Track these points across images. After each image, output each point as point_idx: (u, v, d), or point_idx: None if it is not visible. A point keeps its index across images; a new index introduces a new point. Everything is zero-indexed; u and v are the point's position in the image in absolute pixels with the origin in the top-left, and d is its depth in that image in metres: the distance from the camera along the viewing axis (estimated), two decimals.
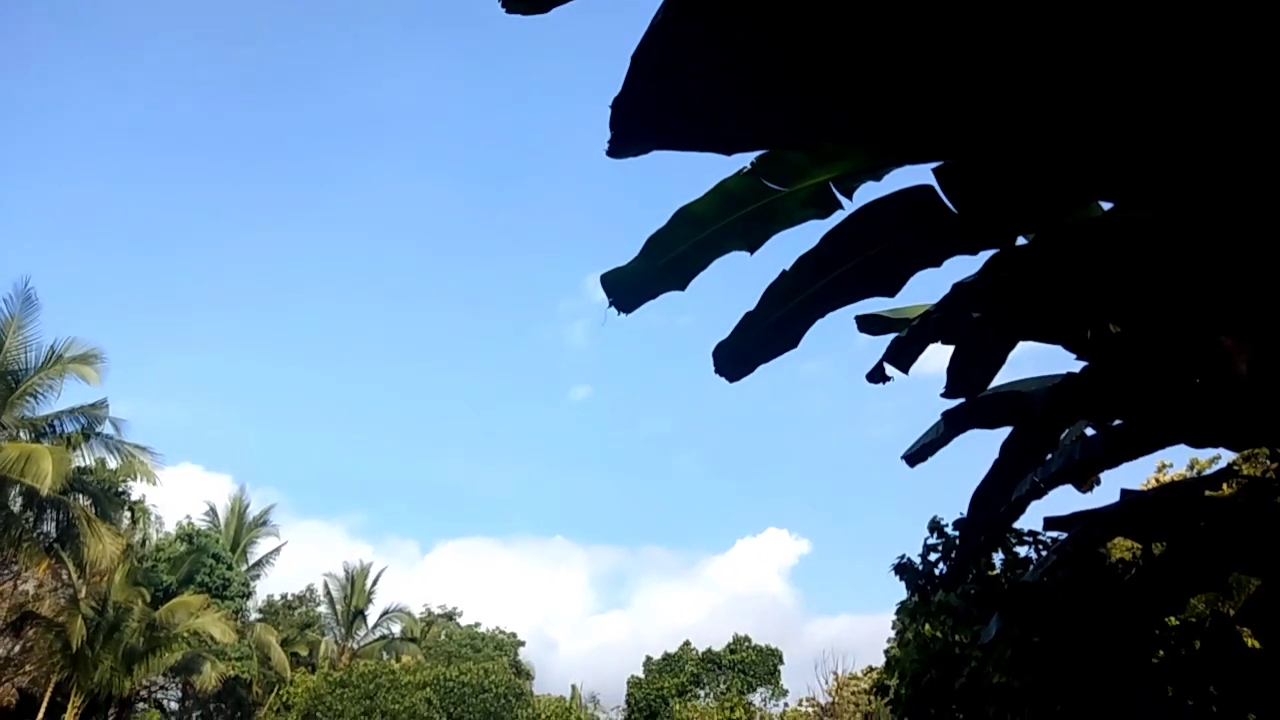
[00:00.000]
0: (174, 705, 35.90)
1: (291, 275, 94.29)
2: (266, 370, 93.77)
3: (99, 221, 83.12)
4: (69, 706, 26.67)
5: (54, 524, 25.99)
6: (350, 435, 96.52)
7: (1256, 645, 5.19)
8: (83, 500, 26.49)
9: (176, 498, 72.76)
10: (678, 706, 37.31)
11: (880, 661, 11.00)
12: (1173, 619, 5.54)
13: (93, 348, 25.89)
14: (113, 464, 28.24)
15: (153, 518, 35.29)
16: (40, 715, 27.03)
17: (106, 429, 27.00)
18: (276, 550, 41.52)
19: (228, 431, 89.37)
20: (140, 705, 33.16)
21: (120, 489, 29.47)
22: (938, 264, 4.28)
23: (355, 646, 42.94)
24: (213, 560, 35.30)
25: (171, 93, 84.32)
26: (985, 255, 4.23)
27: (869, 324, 5.44)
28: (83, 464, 27.31)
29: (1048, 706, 5.98)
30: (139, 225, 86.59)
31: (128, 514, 31.68)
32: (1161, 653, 5.50)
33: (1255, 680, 5.03)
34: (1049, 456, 5.25)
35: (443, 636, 45.77)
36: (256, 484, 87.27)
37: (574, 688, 44.36)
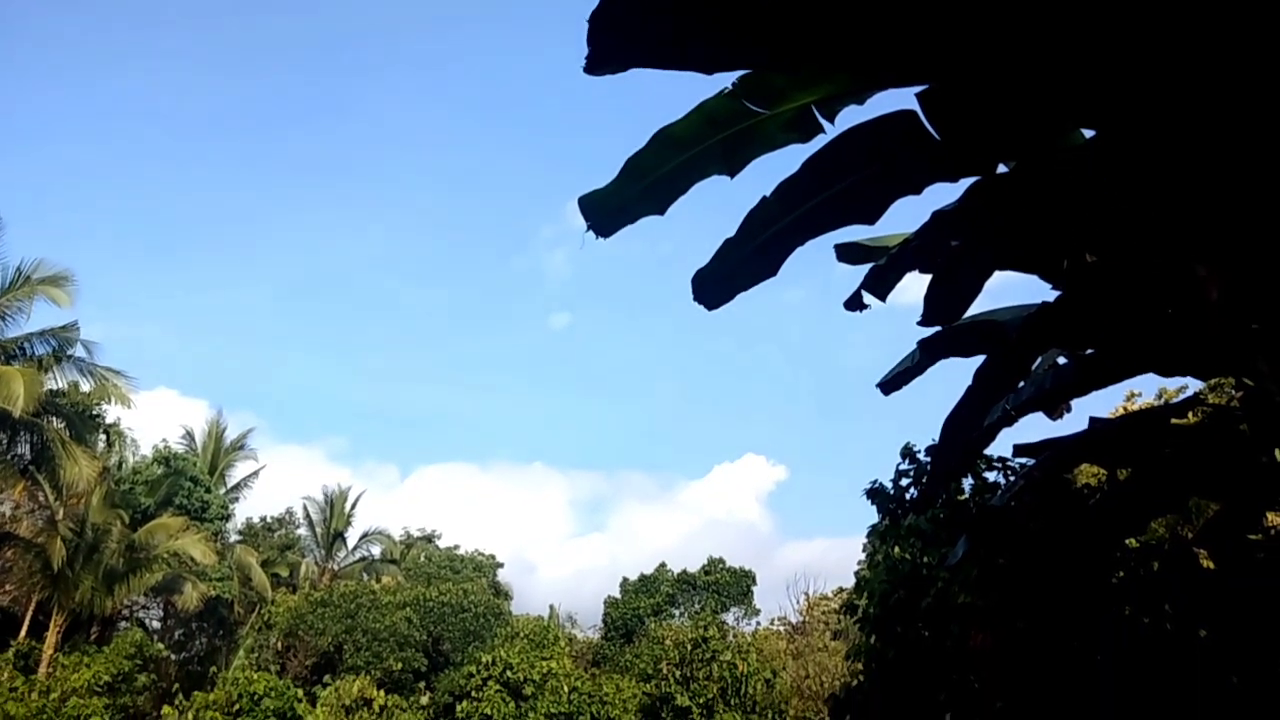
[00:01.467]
0: (156, 624, 36.37)
1: (268, 198, 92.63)
2: (243, 295, 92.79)
3: (71, 135, 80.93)
4: (51, 625, 26.96)
5: (28, 446, 25.89)
6: (328, 361, 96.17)
7: (1211, 566, 5.38)
8: (56, 423, 26.36)
9: (152, 422, 72.54)
10: (653, 625, 38.30)
11: (851, 583, 11.31)
12: (1133, 541, 5.71)
13: (62, 269, 25.45)
14: (86, 387, 28.06)
15: (128, 441, 35.23)
16: (23, 633, 27.33)
17: (78, 352, 26.73)
18: (255, 474, 41.68)
19: (204, 356, 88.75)
20: (123, 624, 33.57)
21: (94, 412, 29.32)
22: (918, 191, 4.26)
23: (335, 568, 43.53)
24: (190, 483, 35.37)
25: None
26: (966, 183, 4.22)
27: (848, 253, 5.43)
28: (55, 387, 27.09)
29: (1010, 624, 6.20)
30: (112, 140, 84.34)
31: (103, 437, 31.60)
32: (1121, 573, 5.69)
33: (1209, 600, 5.23)
34: (1021, 385, 5.33)
35: (422, 559, 46.40)
36: (233, 408, 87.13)
37: (552, 608, 45.38)
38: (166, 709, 23.64)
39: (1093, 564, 5.80)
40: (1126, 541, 5.84)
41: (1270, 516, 5.79)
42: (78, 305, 25.78)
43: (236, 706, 23.35)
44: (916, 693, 8.02)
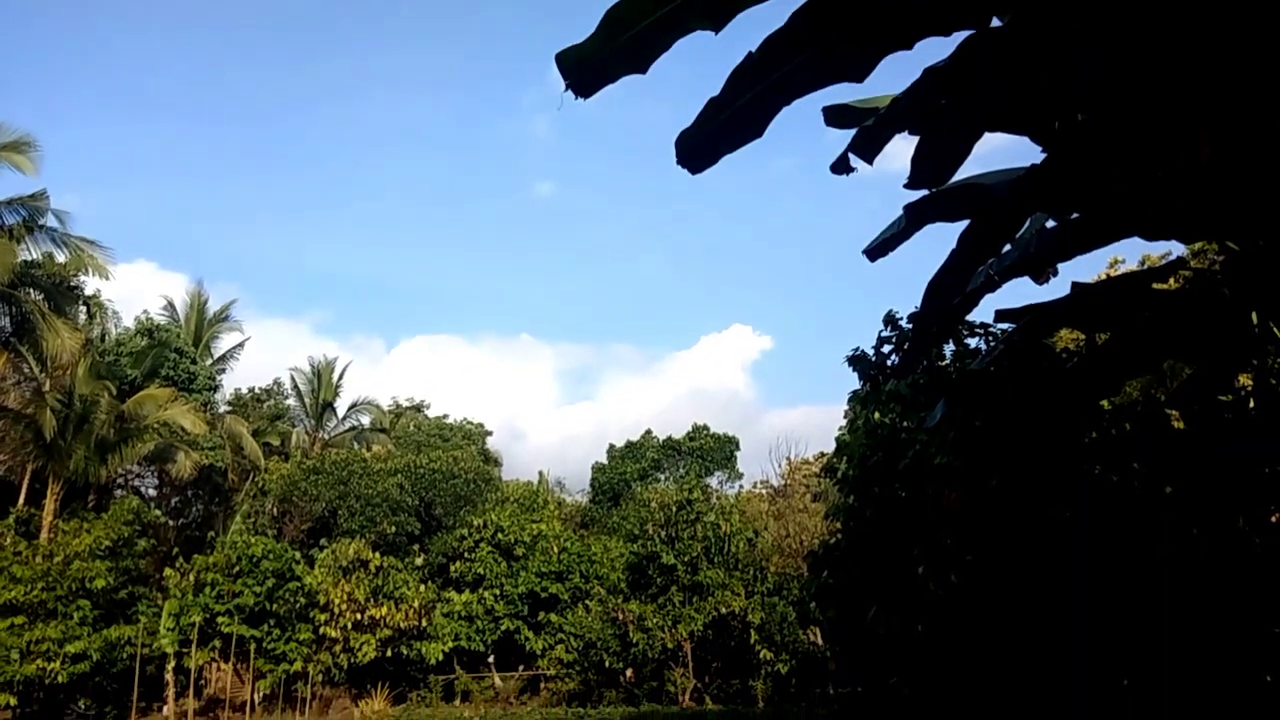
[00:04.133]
0: (152, 492, 37.13)
1: (244, 63, 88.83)
2: (222, 166, 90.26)
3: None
4: (48, 493, 27.51)
5: (8, 319, 25.73)
6: (311, 232, 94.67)
7: (1182, 427, 5.51)
8: (35, 295, 26.09)
9: (133, 294, 71.89)
10: (639, 489, 39.48)
11: (832, 448, 11.60)
12: (1107, 403, 5.83)
13: (23, 134, 24.63)
14: (61, 258, 27.62)
15: (109, 312, 35.00)
16: (20, 500, 27.90)
17: (50, 222, 26.18)
18: (240, 345, 41.73)
19: (183, 228, 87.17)
20: (119, 492, 34.28)
21: (72, 283, 28.96)
22: (909, 46, 4.10)
23: (326, 437, 44.21)
24: (175, 355, 35.40)
25: None
26: (959, 38, 4.07)
27: (836, 116, 5.28)
28: (30, 258, 26.67)
29: (983, 483, 6.39)
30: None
31: (83, 309, 31.37)
32: (1094, 434, 5.83)
33: (1177, 459, 5.38)
34: (1006, 249, 5.31)
35: (411, 427, 47.10)
36: (215, 281, 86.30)
37: (541, 474, 46.51)
38: (168, 571, 24.47)
39: (1067, 425, 5.94)
40: (1101, 403, 5.96)
41: (1242, 379, 5.89)
42: (45, 174, 25.06)
43: (236, 568, 24.16)
44: (891, 549, 8.36)
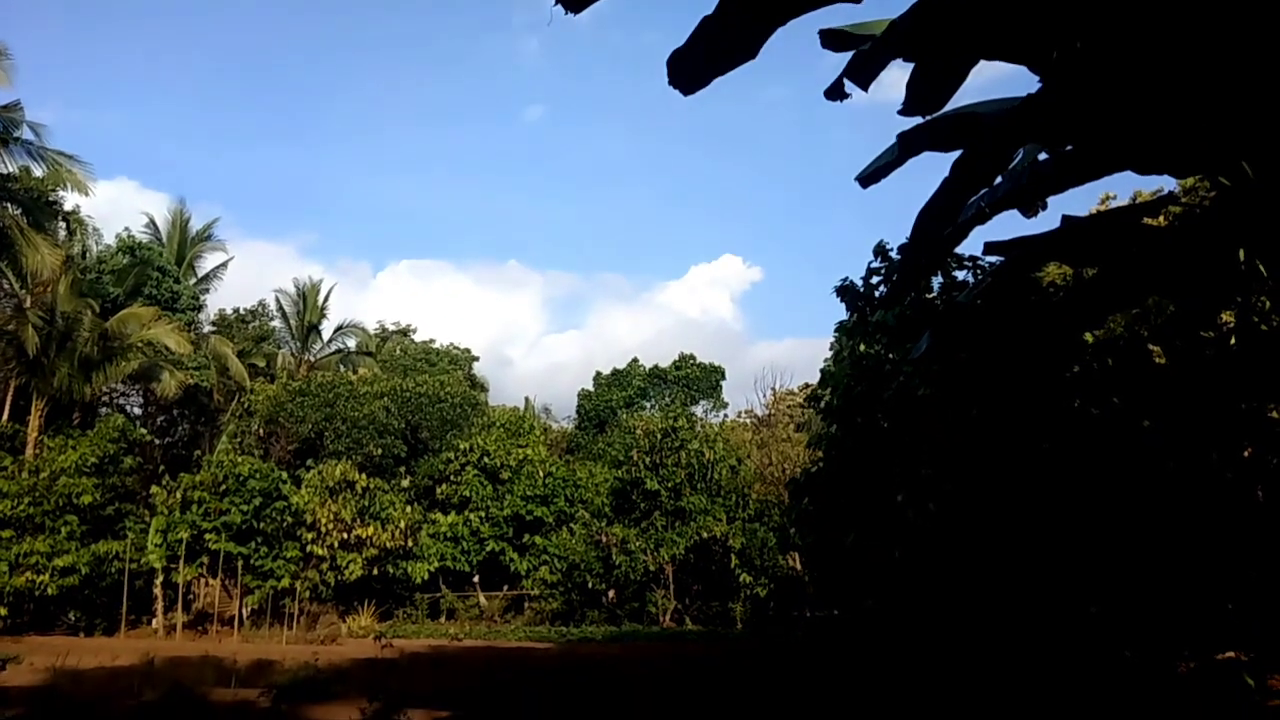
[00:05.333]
0: (137, 411, 37.11)
1: None
2: (203, 84, 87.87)
3: None
4: (32, 409, 27.45)
5: None
6: (295, 153, 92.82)
7: (1163, 362, 5.56)
8: (12, 209, 25.61)
9: (114, 211, 70.63)
10: (625, 416, 39.78)
11: (817, 380, 11.67)
12: (1090, 336, 5.87)
13: None
14: (39, 172, 27.03)
15: (90, 229, 34.45)
16: (4, 416, 27.87)
17: (26, 134, 25.54)
18: (224, 265, 41.26)
19: (164, 147, 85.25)
20: (104, 410, 34.24)
21: (51, 199, 28.40)
22: None
23: (312, 359, 44.09)
24: (158, 274, 35.00)
25: None
26: None
27: (832, 39, 5.15)
28: (5, 171, 26.10)
29: (964, 414, 6.46)
30: None
31: (62, 225, 30.85)
32: (1076, 368, 5.88)
33: (1157, 393, 5.45)
34: (998, 180, 5.26)
35: (398, 351, 47.05)
36: (197, 201, 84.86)
37: (527, 400, 46.76)
38: (155, 488, 24.63)
39: (1050, 358, 5.98)
40: (1085, 337, 6.00)
41: (1225, 316, 5.94)
42: (21, 87, 24.34)
43: (223, 487, 24.33)
44: (872, 477, 8.49)
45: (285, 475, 26.64)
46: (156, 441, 34.12)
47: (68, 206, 31.19)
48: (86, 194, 27.42)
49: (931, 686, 7.64)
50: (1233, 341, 5.57)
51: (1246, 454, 5.64)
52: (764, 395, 39.82)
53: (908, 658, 8.14)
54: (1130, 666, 6.33)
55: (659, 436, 27.66)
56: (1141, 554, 5.63)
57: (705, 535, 25.92)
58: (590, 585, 26.40)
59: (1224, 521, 5.50)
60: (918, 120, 5.03)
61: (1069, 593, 6.18)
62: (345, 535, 25.54)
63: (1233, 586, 5.41)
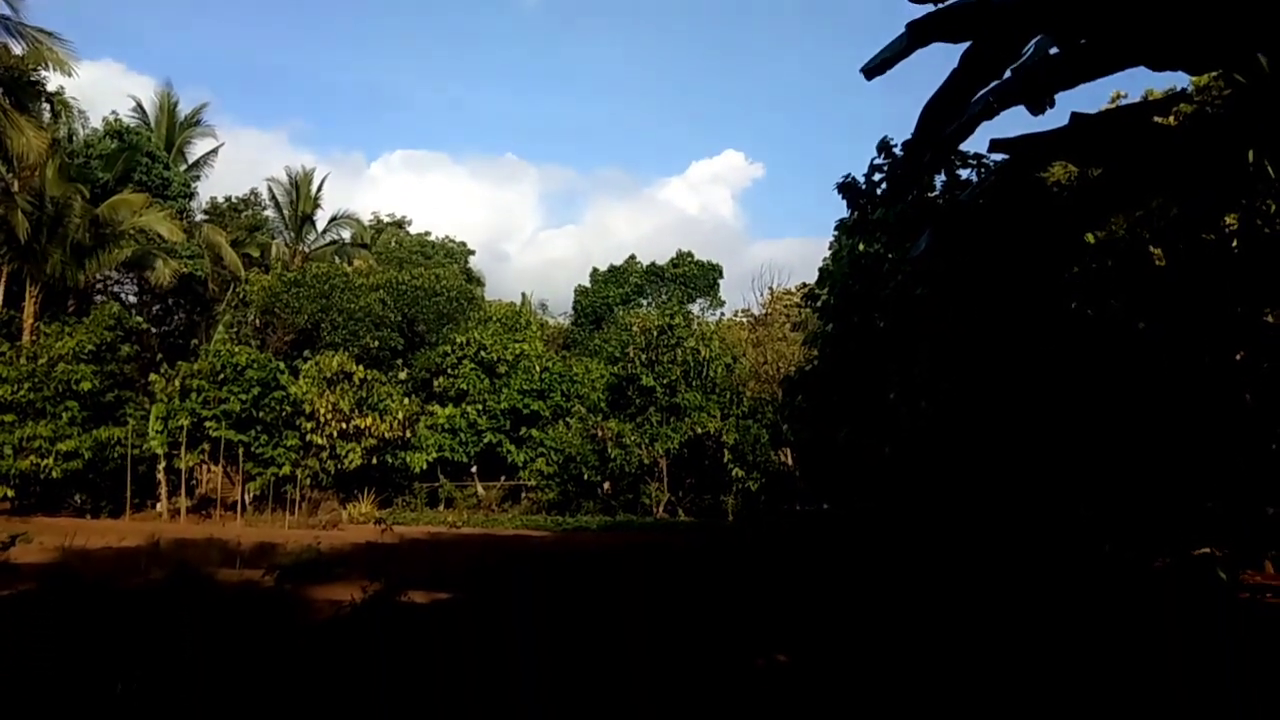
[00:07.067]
0: (132, 300, 36.98)
1: None
2: None
3: None
4: (26, 295, 27.37)
5: None
6: (284, 35, 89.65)
7: (1163, 264, 5.54)
8: None
9: (99, 95, 68.74)
10: (621, 313, 39.80)
11: (815, 280, 11.64)
12: (1091, 237, 5.83)
13: None
14: (18, 50, 26.13)
15: (76, 113, 33.56)
16: None
17: (1, 9, 24.61)
18: (214, 151, 40.42)
19: (150, 25, 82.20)
20: (98, 298, 34.12)
21: (33, 78, 27.55)
22: None
23: (306, 250, 43.71)
24: (148, 159, 34.32)
25: None
26: None
27: None
28: None
29: (964, 313, 6.46)
30: None
31: (46, 107, 30.04)
32: (1075, 269, 5.86)
33: (1155, 295, 5.44)
34: (1007, 75, 5.12)
35: (393, 244, 46.61)
36: (185, 85, 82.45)
37: (524, 295, 46.68)
38: (153, 376, 24.80)
39: (1050, 258, 5.95)
40: (1086, 238, 5.95)
41: (1229, 219, 5.88)
42: None
43: (221, 376, 24.50)
44: (866, 375, 8.56)
45: (283, 366, 26.81)
46: (153, 330, 34.15)
47: (51, 88, 30.30)
48: (69, 74, 26.61)
49: (915, 576, 7.89)
50: (1235, 245, 5.54)
51: (1239, 357, 5.68)
52: (761, 294, 39.74)
53: (895, 550, 8.39)
54: (1107, 561, 6.53)
55: (655, 334, 27.76)
56: (1129, 454, 5.74)
57: (699, 431, 26.33)
58: (586, 477, 26.95)
59: (1212, 424, 5.58)
60: (929, 8, 4.87)
61: (1056, 490, 6.33)
62: (344, 425, 25.88)
63: (1216, 486, 5.53)
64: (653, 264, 43.52)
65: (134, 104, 38.66)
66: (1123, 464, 5.86)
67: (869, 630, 6.57)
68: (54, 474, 22.97)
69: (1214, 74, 6.35)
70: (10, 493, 22.86)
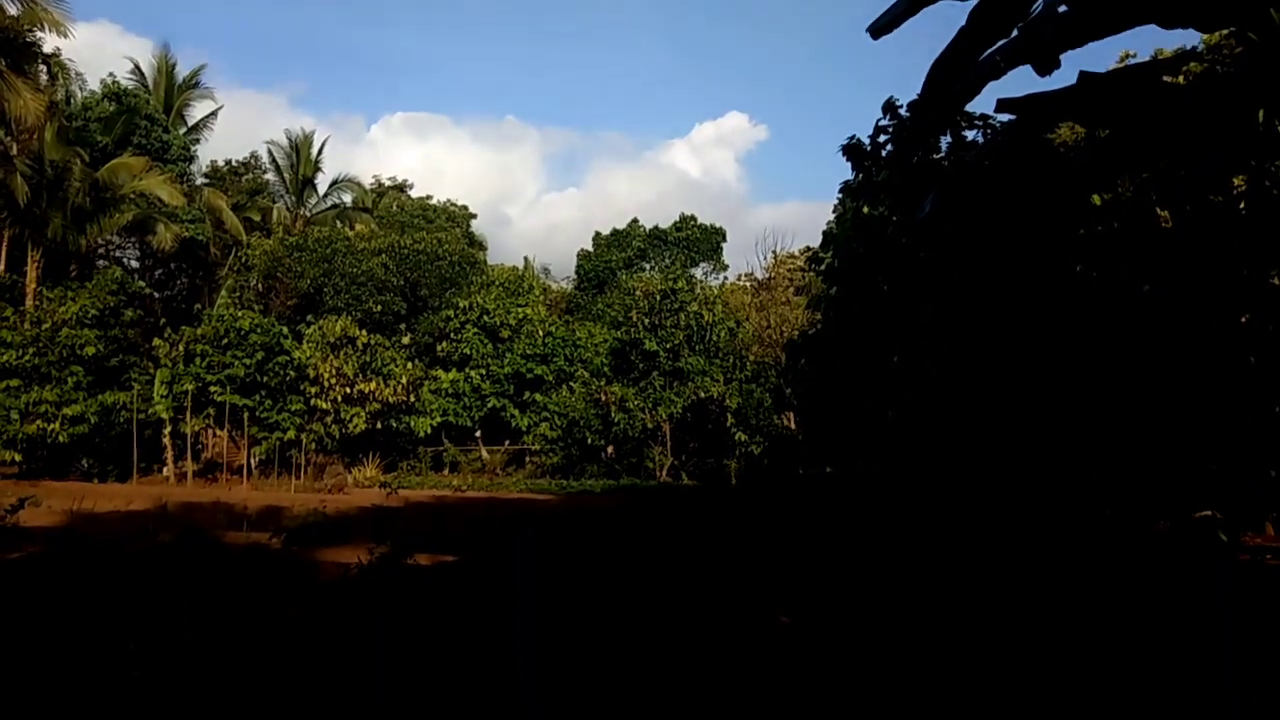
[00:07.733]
0: (134, 264, 36.93)
1: None
2: None
3: None
4: (28, 260, 27.34)
5: None
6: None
7: (1170, 226, 5.50)
8: None
9: (97, 57, 68.10)
10: (624, 277, 39.69)
11: (819, 244, 11.58)
12: (1097, 198, 5.79)
13: None
14: (12, 10, 25.79)
15: (73, 75, 33.27)
16: (1, 267, 27.77)
17: None
18: (213, 114, 40.15)
19: None
20: (101, 263, 34.08)
21: (28, 39, 27.22)
22: None
23: (308, 214, 43.51)
24: (147, 122, 34.07)
25: None
26: None
27: None
28: None
29: (969, 276, 6.44)
30: None
31: (43, 69, 29.74)
32: (1082, 231, 5.82)
33: (1161, 257, 5.41)
34: (1015, 33, 5.05)
35: (395, 208, 46.34)
36: (183, 47, 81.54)
37: (527, 259, 46.52)
38: (157, 341, 24.86)
39: (1056, 221, 5.91)
40: (1092, 200, 5.91)
41: (1236, 180, 5.82)
42: None
43: (225, 340, 24.55)
44: (870, 339, 8.55)
45: (286, 330, 26.82)
46: (155, 295, 34.16)
47: (47, 49, 29.96)
48: (65, 35, 26.27)
49: (919, 539, 7.95)
50: (1242, 206, 5.49)
51: (1244, 320, 5.66)
52: (764, 258, 39.53)
53: (899, 513, 8.44)
54: (1109, 524, 6.57)
55: (658, 298, 27.71)
56: (1133, 417, 5.74)
57: (702, 395, 26.39)
58: (589, 441, 27.06)
59: (1217, 386, 5.58)
60: None
61: (1060, 454, 6.34)
62: (348, 390, 25.97)
63: (1221, 449, 5.54)
64: (655, 227, 43.31)
65: (131, 66, 38.38)
66: (1126, 427, 5.87)
67: (871, 593, 6.63)
68: (60, 439, 23.11)
69: (1225, 32, 6.26)
70: (17, 457, 23.02)
